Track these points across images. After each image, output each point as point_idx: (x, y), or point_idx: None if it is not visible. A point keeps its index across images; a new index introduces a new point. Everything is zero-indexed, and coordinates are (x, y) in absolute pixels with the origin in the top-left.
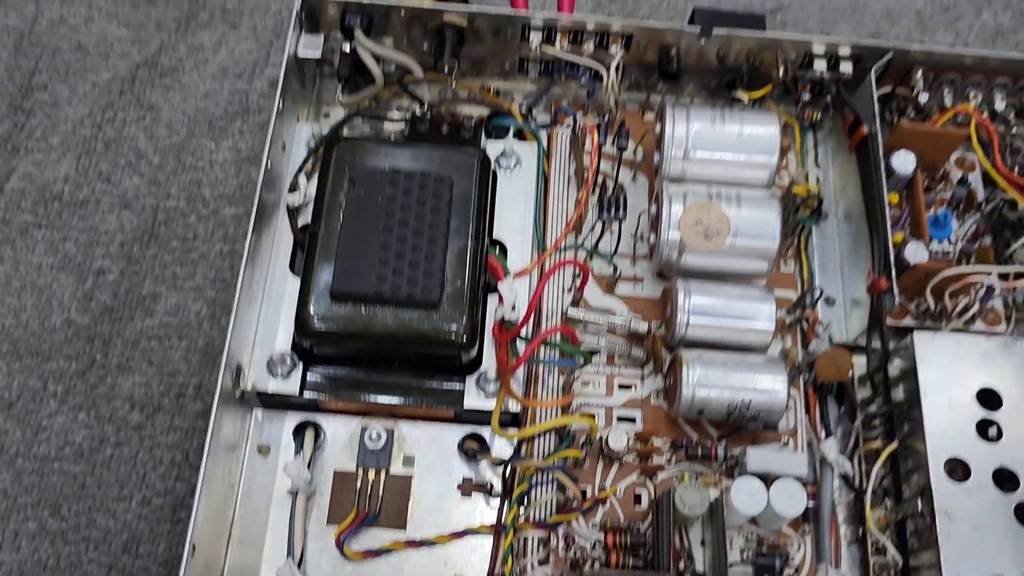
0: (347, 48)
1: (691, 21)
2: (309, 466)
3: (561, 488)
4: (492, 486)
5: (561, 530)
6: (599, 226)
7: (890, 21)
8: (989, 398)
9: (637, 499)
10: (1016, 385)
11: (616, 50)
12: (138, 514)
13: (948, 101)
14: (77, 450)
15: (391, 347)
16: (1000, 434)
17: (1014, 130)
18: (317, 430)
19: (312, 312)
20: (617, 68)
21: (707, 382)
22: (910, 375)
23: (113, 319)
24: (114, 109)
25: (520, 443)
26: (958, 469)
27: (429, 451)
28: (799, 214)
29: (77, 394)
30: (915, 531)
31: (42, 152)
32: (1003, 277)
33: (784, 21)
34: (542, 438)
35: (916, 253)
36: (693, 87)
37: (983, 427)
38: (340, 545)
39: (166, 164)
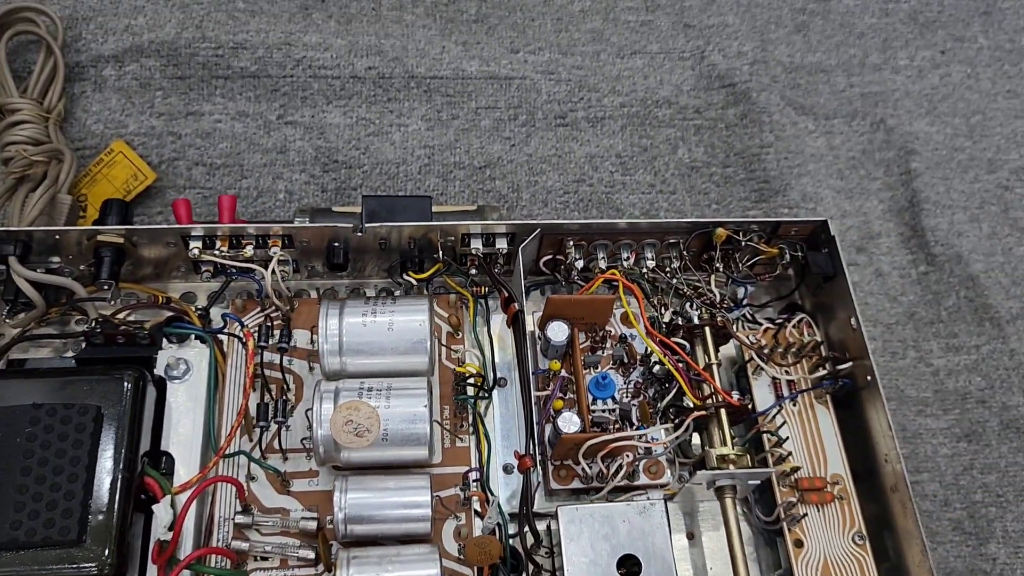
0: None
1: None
2: None
3: None
4: None
5: None
6: (260, 432)
7: (593, 165)
8: (631, 563)
9: None
10: (650, 547)
11: (275, 251)
12: None
13: (603, 264)
14: None
15: None
16: None
17: (673, 280)
18: None
19: None
20: (280, 265)
21: None
22: (559, 548)
23: None
24: None
25: None
26: None
27: None
28: (465, 394)
29: None
30: None
31: None
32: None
33: (494, 176)
34: None
35: (567, 423)
36: (371, 269)
37: None
38: None
39: None
